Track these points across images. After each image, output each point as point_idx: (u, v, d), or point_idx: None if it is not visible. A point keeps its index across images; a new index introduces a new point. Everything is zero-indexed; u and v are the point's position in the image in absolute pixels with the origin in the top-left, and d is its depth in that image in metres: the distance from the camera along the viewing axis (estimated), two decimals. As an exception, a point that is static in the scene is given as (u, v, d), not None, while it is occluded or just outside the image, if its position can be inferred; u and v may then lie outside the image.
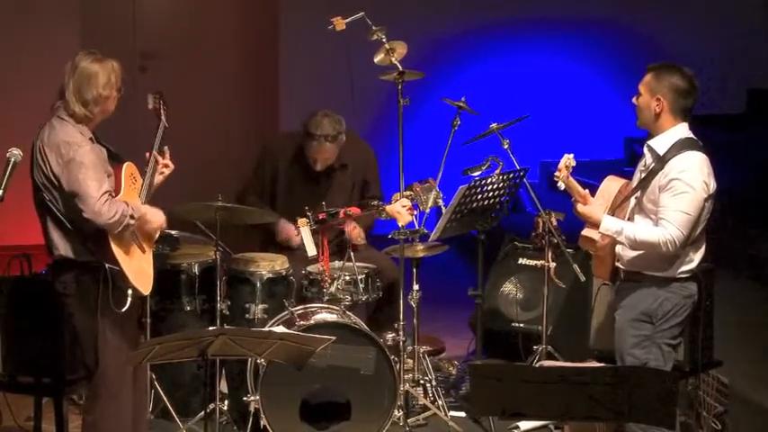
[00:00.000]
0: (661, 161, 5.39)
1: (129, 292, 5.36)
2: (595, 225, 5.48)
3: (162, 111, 5.84)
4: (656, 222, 5.37)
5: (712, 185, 5.40)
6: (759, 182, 9.34)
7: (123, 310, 5.34)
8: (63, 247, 5.39)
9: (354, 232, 7.02)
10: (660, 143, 5.44)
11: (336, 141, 7.03)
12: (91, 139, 5.41)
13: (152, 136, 5.74)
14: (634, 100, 5.50)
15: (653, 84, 5.42)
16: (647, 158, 5.50)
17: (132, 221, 5.33)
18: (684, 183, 5.30)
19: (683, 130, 5.45)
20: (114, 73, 5.45)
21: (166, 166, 5.72)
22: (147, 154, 5.65)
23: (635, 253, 5.45)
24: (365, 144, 7.48)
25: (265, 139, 8.21)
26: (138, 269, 5.44)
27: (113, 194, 5.34)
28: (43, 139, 5.37)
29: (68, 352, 5.54)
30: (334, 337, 5.17)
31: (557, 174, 5.53)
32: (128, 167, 5.52)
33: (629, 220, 5.50)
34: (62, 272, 5.43)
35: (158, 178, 5.70)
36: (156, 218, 5.57)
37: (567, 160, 5.53)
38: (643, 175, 5.49)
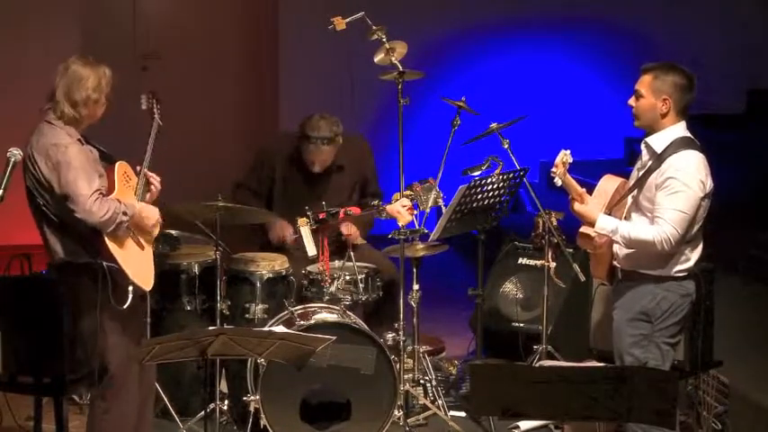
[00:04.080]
0: (658, 159, 5.40)
1: (130, 288, 5.37)
2: (591, 224, 5.48)
3: (156, 110, 5.83)
4: (652, 220, 5.38)
5: (709, 184, 5.40)
6: (759, 182, 9.34)
7: (125, 306, 5.35)
8: (60, 250, 5.40)
9: (353, 235, 7.01)
10: (658, 141, 5.44)
11: (334, 143, 6.99)
12: (79, 140, 5.42)
13: (147, 135, 5.74)
14: (631, 102, 5.48)
15: (656, 84, 5.41)
16: (644, 156, 5.51)
17: (125, 218, 5.33)
18: (680, 181, 5.31)
19: (680, 129, 5.45)
20: (105, 78, 5.45)
21: (154, 179, 5.69)
22: (138, 167, 5.61)
23: (632, 252, 5.45)
24: (361, 142, 7.42)
25: (264, 140, 8.19)
26: (138, 265, 5.44)
27: (104, 193, 5.34)
28: (32, 144, 5.38)
29: (68, 352, 5.54)
30: (334, 337, 5.17)
31: (553, 170, 5.52)
32: (120, 166, 5.51)
33: (625, 218, 5.51)
34: (62, 275, 5.43)
35: (147, 195, 5.64)
36: (151, 213, 5.56)
37: (564, 156, 5.51)
38: (640, 173, 5.49)
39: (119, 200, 5.35)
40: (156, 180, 5.66)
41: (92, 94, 5.40)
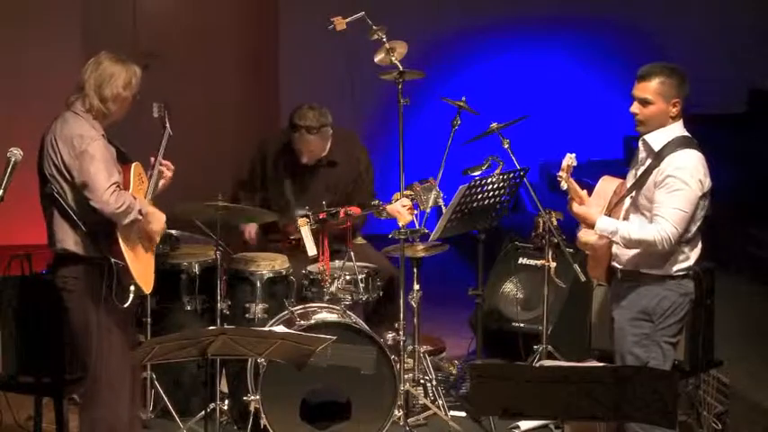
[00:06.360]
0: (657, 158, 5.40)
1: (132, 288, 5.38)
2: (590, 225, 5.48)
3: (167, 119, 5.87)
4: (650, 219, 5.38)
5: (707, 184, 5.40)
6: (760, 182, 9.34)
7: (125, 305, 5.36)
8: (68, 241, 5.40)
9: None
10: (656, 139, 5.43)
11: (320, 134, 6.97)
12: (103, 135, 5.45)
13: (155, 140, 5.76)
14: (635, 109, 5.41)
15: (664, 89, 5.34)
16: (641, 153, 5.50)
17: (140, 216, 5.37)
18: (680, 180, 5.31)
19: (678, 128, 5.45)
20: (135, 78, 5.53)
21: (168, 168, 5.75)
22: (152, 158, 5.69)
23: (632, 252, 5.45)
24: (356, 140, 7.39)
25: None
26: (142, 267, 5.46)
27: (121, 187, 5.37)
28: (55, 131, 5.41)
29: (68, 351, 5.55)
30: (334, 337, 5.17)
31: (560, 174, 5.52)
32: (136, 167, 5.55)
33: (624, 218, 5.50)
34: (64, 266, 5.44)
35: (161, 182, 5.72)
36: (158, 220, 5.59)
37: (570, 160, 5.52)
38: (640, 171, 5.48)
39: (134, 195, 5.39)
40: (167, 170, 5.72)
41: (122, 92, 5.47)
